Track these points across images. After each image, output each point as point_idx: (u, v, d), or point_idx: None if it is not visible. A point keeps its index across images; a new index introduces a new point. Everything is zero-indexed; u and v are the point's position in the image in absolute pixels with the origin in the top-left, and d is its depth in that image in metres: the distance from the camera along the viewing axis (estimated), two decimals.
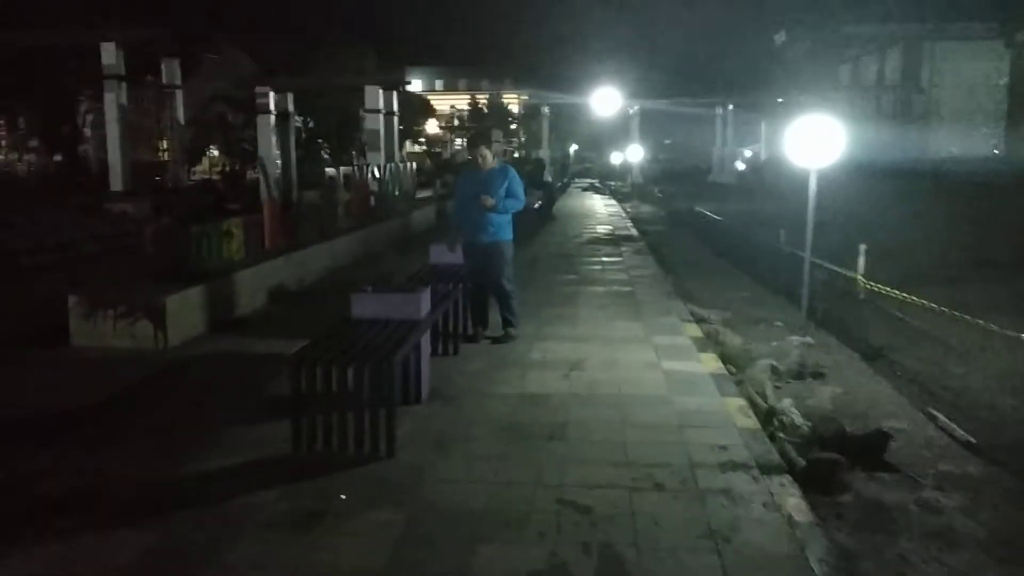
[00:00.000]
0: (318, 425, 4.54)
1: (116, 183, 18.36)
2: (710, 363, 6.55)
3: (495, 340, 7.22)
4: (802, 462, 4.61)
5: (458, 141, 61.26)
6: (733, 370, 6.58)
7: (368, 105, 22.44)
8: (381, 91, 22.53)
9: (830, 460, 4.61)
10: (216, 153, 39.12)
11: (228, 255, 8.99)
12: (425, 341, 5.64)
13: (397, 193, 17.23)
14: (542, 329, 7.79)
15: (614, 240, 16.32)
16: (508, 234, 7.23)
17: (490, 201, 6.93)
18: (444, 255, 7.47)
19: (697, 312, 8.95)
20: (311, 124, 36.74)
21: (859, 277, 7.27)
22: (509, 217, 7.19)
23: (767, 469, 4.36)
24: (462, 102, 70.04)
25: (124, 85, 18.43)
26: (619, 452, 4.60)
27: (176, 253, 8.14)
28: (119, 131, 18.33)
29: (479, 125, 59.70)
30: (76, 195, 21.39)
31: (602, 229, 18.91)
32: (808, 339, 7.12)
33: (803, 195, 7.47)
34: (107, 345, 6.96)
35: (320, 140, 37.63)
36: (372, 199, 15.57)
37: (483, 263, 7.17)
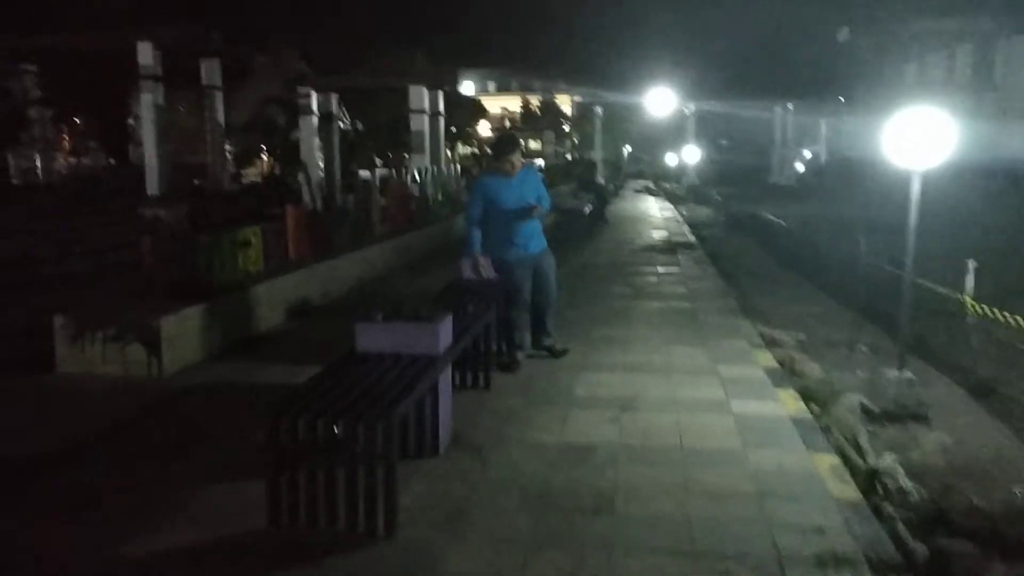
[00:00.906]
0: (301, 493, 3.62)
1: (153, 187, 17.83)
2: (790, 403, 5.46)
3: (556, 354, 6.63)
4: (923, 551, 3.54)
5: None
6: (816, 410, 5.50)
7: (413, 106, 21.62)
8: (426, 91, 21.72)
9: (963, 552, 3.53)
10: (266, 157, 38.85)
11: (244, 267, 8.17)
12: (445, 378, 4.69)
13: (440, 198, 16.36)
14: (589, 355, 6.78)
15: (670, 247, 15.19)
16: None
17: (541, 208, 6.29)
18: (477, 270, 6.52)
19: (767, 333, 7.85)
20: (360, 127, 36.16)
21: (968, 298, 6.08)
22: None
23: (881, 567, 3.30)
24: (514, 103, 69.29)
25: (161, 86, 17.89)
26: (682, 534, 3.58)
27: (183, 266, 7.31)
28: (155, 133, 17.80)
29: (532, 126, 58.88)
30: (119, 199, 21.04)
31: (657, 235, 17.80)
32: (908, 374, 5.97)
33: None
34: (95, 372, 6.15)
35: (371, 143, 36.99)
36: (412, 204, 14.71)
37: (536, 275, 6.47)
